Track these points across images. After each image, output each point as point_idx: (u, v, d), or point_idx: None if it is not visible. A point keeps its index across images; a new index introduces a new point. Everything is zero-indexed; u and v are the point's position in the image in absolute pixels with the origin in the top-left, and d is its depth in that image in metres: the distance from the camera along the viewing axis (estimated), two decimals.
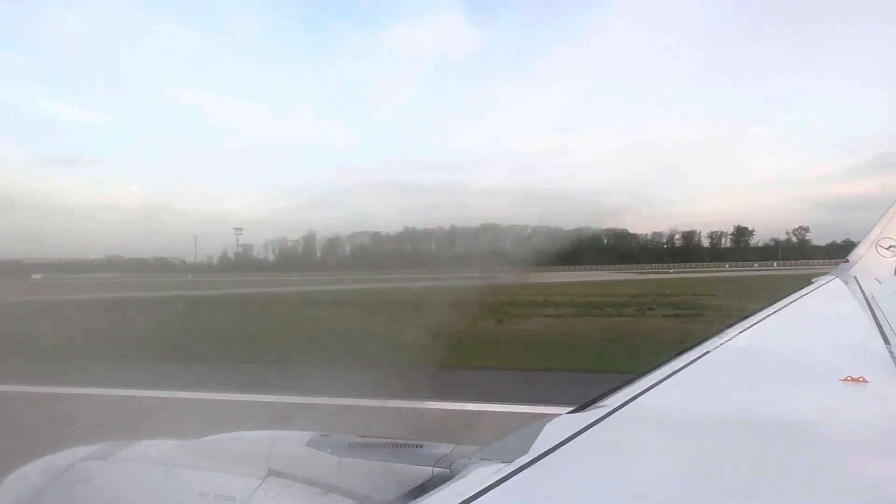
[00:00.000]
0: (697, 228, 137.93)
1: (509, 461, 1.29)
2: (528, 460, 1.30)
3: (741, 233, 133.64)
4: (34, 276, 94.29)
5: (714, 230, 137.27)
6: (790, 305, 4.86)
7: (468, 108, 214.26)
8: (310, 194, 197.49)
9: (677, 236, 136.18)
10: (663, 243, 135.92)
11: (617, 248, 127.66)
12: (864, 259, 8.18)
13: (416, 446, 1.74)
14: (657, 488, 1.22)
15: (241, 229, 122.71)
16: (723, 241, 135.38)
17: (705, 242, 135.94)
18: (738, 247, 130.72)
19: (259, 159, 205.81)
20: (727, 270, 72.54)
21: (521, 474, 1.23)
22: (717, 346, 2.81)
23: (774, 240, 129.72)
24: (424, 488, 1.22)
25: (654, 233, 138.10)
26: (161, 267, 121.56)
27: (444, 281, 45.84)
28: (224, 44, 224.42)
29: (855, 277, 7.07)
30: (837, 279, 7.25)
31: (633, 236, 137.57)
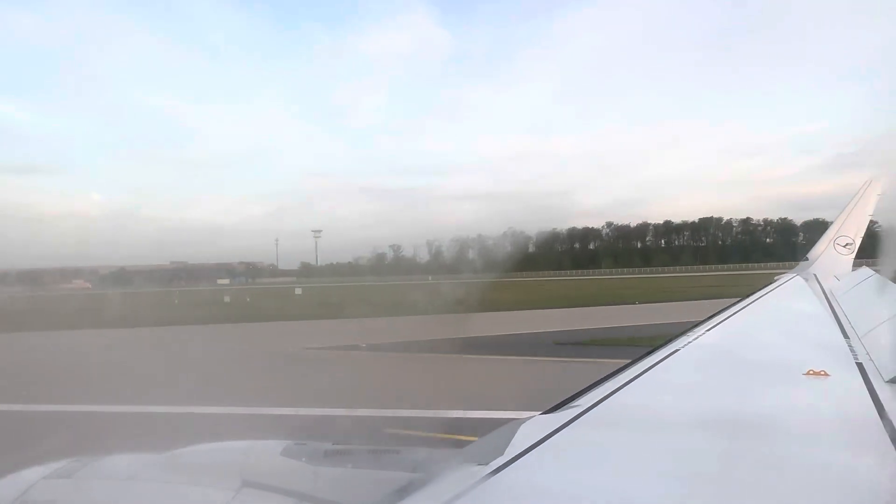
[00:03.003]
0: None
1: (485, 463, 1.30)
2: (503, 462, 1.31)
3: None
4: (220, 281, 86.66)
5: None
6: (755, 303, 5.03)
7: (440, 111, 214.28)
8: (280, 199, 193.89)
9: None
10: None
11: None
12: (823, 257, 8.52)
13: (392, 452, 1.73)
14: (631, 486, 1.25)
15: (319, 231, 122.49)
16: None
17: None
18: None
19: (229, 164, 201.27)
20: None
21: (497, 476, 1.24)
22: (686, 345, 2.89)
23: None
24: (401, 494, 1.22)
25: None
26: (254, 272, 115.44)
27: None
28: (192, 47, 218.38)
29: (815, 275, 7.35)
30: (798, 277, 7.52)
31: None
